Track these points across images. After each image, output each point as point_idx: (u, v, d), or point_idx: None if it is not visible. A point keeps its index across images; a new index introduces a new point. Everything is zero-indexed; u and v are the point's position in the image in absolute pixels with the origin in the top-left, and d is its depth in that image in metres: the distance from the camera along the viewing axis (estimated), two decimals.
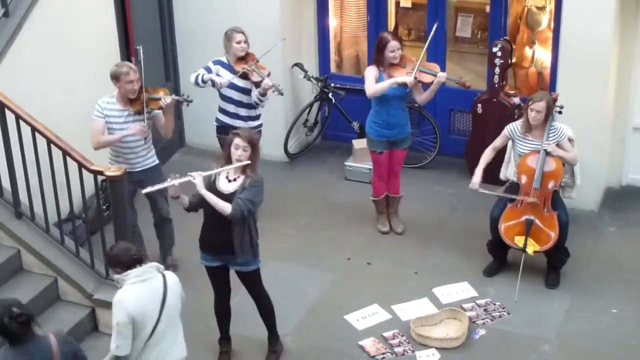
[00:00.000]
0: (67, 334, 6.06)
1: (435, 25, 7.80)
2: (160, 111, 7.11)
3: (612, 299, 7.11)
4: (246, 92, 7.81)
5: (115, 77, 6.83)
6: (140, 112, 6.93)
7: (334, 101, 9.35)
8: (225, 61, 7.83)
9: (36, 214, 6.47)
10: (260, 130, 8.05)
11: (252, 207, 5.91)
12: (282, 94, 8.08)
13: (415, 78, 7.47)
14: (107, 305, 6.19)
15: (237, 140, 5.88)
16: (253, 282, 6.28)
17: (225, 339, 6.56)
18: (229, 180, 5.97)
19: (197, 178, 5.84)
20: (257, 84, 7.79)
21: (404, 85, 7.44)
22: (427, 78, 7.53)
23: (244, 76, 7.74)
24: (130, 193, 7.09)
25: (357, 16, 9.74)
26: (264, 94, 7.78)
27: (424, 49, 7.68)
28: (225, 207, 5.85)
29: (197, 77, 7.73)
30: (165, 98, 7.02)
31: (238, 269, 6.19)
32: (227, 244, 6.00)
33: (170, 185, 5.82)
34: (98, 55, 8.02)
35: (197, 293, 7.19)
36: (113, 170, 5.99)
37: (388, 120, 7.66)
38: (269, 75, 7.75)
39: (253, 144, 5.91)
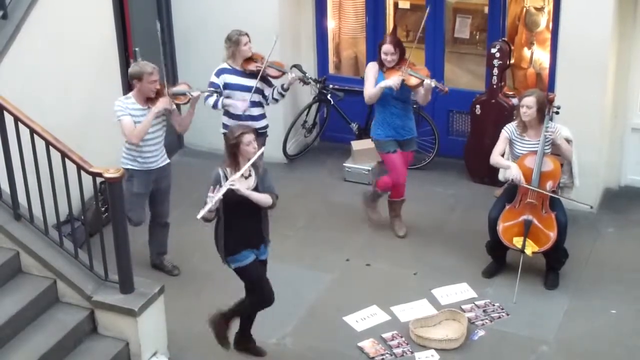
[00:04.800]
0: (66, 336, 6.09)
1: (427, 10, 7.83)
2: (176, 109, 7.20)
3: (611, 299, 7.11)
4: (258, 91, 7.83)
5: (138, 77, 6.89)
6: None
7: (332, 102, 9.35)
8: (229, 67, 7.81)
9: (35, 215, 6.47)
10: (267, 131, 8.08)
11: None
12: (309, 83, 8.19)
13: (404, 80, 7.49)
14: (107, 307, 6.20)
15: (248, 137, 5.94)
16: (266, 269, 6.36)
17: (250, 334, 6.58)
18: (245, 178, 6.02)
19: (237, 183, 5.87)
20: (268, 81, 7.81)
21: (389, 88, 7.47)
22: (413, 81, 7.56)
23: (262, 76, 7.76)
24: (146, 192, 7.13)
25: (356, 17, 9.75)
26: (287, 89, 7.86)
27: (413, 45, 7.71)
28: (267, 199, 6.04)
29: (215, 102, 7.72)
30: (193, 91, 7.14)
31: (264, 257, 6.29)
32: (259, 235, 6.17)
33: (218, 200, 5.81)
34: (96, 57, 8.02)
35: (195, 295, 7.22)
36: (112, 172, 5.98)
37: (391, 121, 7.66)
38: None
39: (253, 132, 6.06)
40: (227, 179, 5.93)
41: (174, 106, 7.12)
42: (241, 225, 6.06)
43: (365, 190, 8.33)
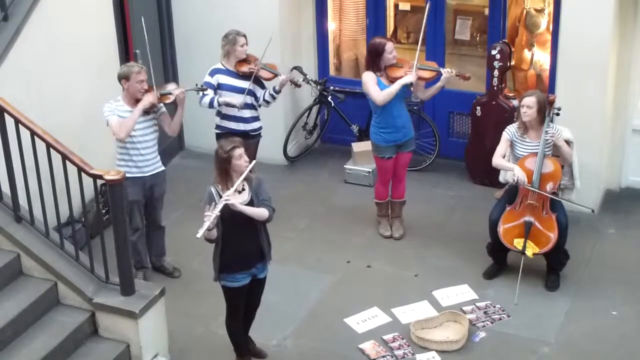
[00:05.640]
0: (66, 338, 6.09)
1: (427, 6, 7.78)
2: (166, 112, 7.18)
3: (612, 300, 7.11)
4: (250, 93, 7.81)
5: (126, 77, 6.88)
6: (151, 110, 7.01)
7: (333, 104, 9.35)
8: (222, 67, 7.81)
9: (36, 218, 6.47)
10: (260, 133, 8.07)
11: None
12: (299, 86, 8.15)
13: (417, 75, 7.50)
14: (107, 309, 6.20)
15: (239, 151, 5.82)
16: (263, 286, 6.27)
17: (246, 351, 6.48)
18: (239, 192, 5.90)
19: (232, 198, 5.75)
20: (260, 83, 7.82)
21: (409, 84, 7.47)
22: (426, 74, 7.57)
23: (255, 77, 7.75)
24: (142, 199, 7.11)
25: (356, 19, 9.76)
26: (279, 91, 7.84)
27: (419, 41, 7.67)
28: (262, 212, 5.88)
29: (211, 100, 7.69)
30: (177, 89, 7.13)
31: (262, 276, 6.16)
32: (258, 250, 6.03)
33: (215, 217, 5.68)
34: (97, 59, 8.02)
35: (196, 298, 7.22)
36: (112, 174, 5.98)
37: (394, 123, 7.64)
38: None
39: (243, 145, 5.93)
40: (220, 196, 5.80)
41: (162, 107, 7.11)
42: (238, 242, 5.92)
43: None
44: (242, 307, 6.20)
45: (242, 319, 6.29)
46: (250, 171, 5.87)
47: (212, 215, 5.65)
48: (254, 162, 5.93)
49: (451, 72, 7.48)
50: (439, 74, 7.56)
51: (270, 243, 6.12)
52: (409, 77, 7.44)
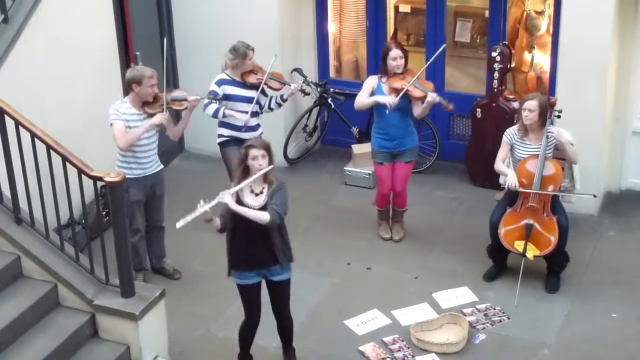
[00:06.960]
0: (66, 340, 6.09)
1: (443, 46, 7.88)
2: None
3: (612, 303, 7.11)
4: (256, 101, 7.82)
5: (137, 81, 6.85)
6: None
7: (333, 106, 9.36)
8: (228, 77, 7.77)
9: (36, 219, 6.47)
10: (260, 137, 8.08)
11: (286, 210, 5.91)
12: (309, 94, 8.25)
13: (407, 90, 7.46)
14: (107, 310, 6.20)
15: (254, 151, 5.79)
16: (285, 291, 6.20)
17: (248, 354, 6.47)
18: (256, 194, 5.89)
19: (226, 197, 5.73)
20: (264, 91, 7.82)
21: (383, 106, 7.47)
22: (417, 93, 7.54)
23: (262, 88, 7.77)
24: (143, 199, 7.11)
25: (356, 21, 9.76)
26: (286, 99, 7.91)
27: (425, 65, 7.70)
28: (262, 216, 5.78)
29: (216, 110, 7.67)
30: (191, 96, 7.11)
31: (277, 279, 6.09)
32: (270, 255, 5.97)
33: (203, 212, 5.69)
34: (97, 61, 8.02)
35: (196, 299, 7.22)
36: (112, 176, 5.98)
37: (387, 131, 7.65)
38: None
39: (268, 148, 5.86)
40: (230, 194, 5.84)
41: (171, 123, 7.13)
42: (246, 242, 5.90)
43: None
44: (255, 307, 6.18)
45: (256, 319, 6.25)
46: (268, 174, 5.84)
47: (201, 208, 5.67)
48: (271, 166, 5.85)
49: (435, 98, 7.46)
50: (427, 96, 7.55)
51: (288, 246, 6.05)
52: (385, 99, 7.44)
